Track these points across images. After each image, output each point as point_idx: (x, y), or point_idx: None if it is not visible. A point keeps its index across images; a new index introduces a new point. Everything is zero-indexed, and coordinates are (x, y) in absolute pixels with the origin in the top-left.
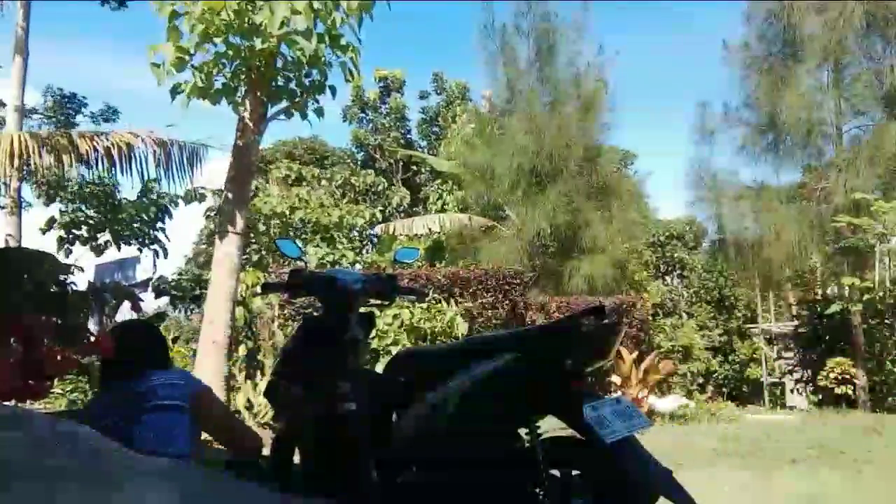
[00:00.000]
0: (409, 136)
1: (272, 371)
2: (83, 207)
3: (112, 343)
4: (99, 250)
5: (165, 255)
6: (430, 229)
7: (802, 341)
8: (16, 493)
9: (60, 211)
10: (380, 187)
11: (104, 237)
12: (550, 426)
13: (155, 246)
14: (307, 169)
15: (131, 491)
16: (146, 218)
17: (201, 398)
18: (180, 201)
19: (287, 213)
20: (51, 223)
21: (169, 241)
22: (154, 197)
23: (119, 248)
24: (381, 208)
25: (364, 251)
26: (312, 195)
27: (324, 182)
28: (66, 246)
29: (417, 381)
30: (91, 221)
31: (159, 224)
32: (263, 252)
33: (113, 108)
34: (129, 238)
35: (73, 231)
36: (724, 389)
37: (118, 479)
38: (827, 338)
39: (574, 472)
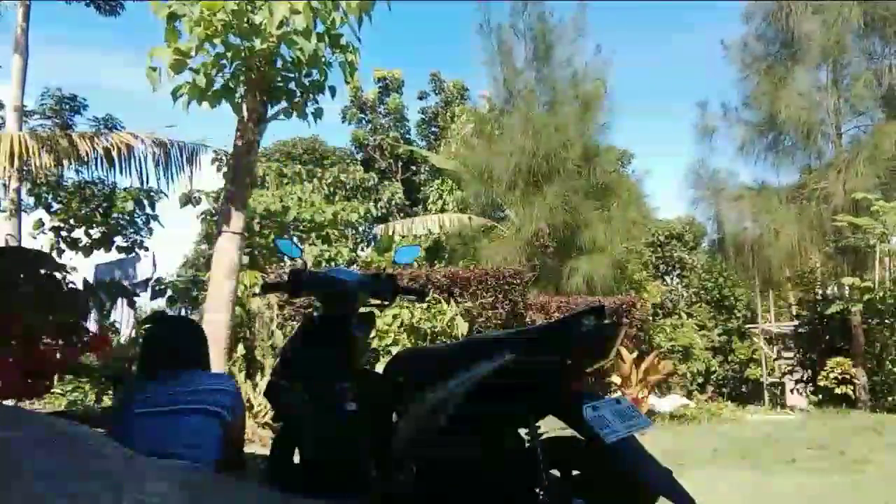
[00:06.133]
0: (408, 136)
1: (272, 371)
2: (79, 206)
3: (152, 333)
4: (88, 250)
5: (154, 256)
6: (429, 230)
7: (802, 341)
8: (16, 492)
9: (50, 212)
10: (370, 183)
11: (95, 234)
12: (550, 426)
13: (142, 248)
14: (289, 165)
15: (131, 491)
16: (137, 212)
17: (241, 412)
18: (170, 200)
19: (281, 212)
20: (40, 226)
21: (149, 236)
22: (131, 195)
23: (108, 250)
24: (374, 203)
25: (360, 248)
26: (306, 192)
27: (314, 180)
28: (57, 247)
29: (417, 381)
30: (83, 216)
31: (141, 222)
32: (257, 252)
33: (115, 118)
34: (115, 234)
35: (64, 232)
36: (724, 389)
37: (118, 478)
38: (827, 338)
39: (574, 472)
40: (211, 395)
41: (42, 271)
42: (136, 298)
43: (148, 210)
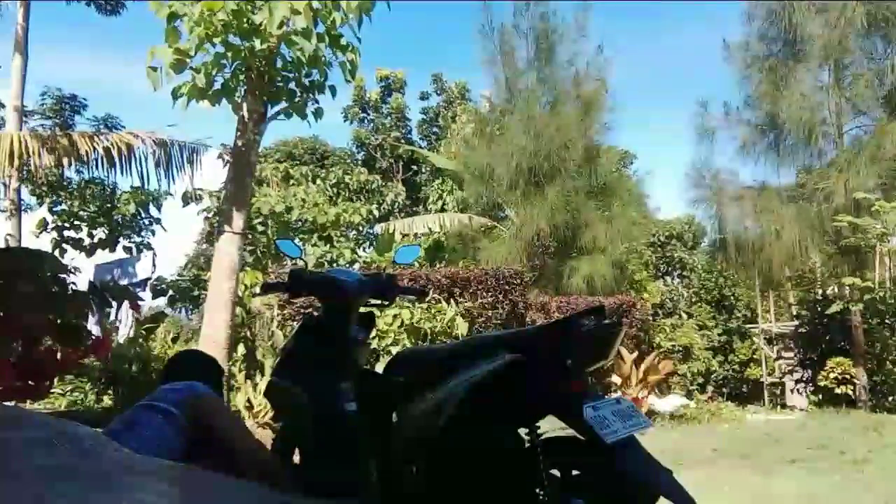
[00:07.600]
0: (409, 136)
1: (272, 371)
2: (81, 206)
3: (168, 368)
4: (91, 250)
5: (154, 256)
6: (430, 229)
7: (802, 341)
8: (16, 493)
9: (52, 211)
10: (374, 185)
11: (98, 235)
12: (550, 426)
13: (147, 248)
14: (296, 167)
15: (131, 491)
16: (141, 214)
17: (195, 404)
18: (170, 200)
19: (284, 212)
20: (43, 225)
21: (152, 237)
22: (134, 198)
23: (113, 250)
24: (377, 205)
25: (362, 249)
26: (308, 193)
27: (318, 181)
28: (60, 247)
29: (417, 381)
30: (86, 217)
31: (143, 224)
32: (259, 252)
33: (115, 117)
34: (118, 234)
35: (66, 232)
36: (724, 389)
37: (118, 479)
38: (827, 338)
39: (574, 472)
40: (162, 393)
41: (46, 272)
42: (140, 302)
43: (153, 212)
